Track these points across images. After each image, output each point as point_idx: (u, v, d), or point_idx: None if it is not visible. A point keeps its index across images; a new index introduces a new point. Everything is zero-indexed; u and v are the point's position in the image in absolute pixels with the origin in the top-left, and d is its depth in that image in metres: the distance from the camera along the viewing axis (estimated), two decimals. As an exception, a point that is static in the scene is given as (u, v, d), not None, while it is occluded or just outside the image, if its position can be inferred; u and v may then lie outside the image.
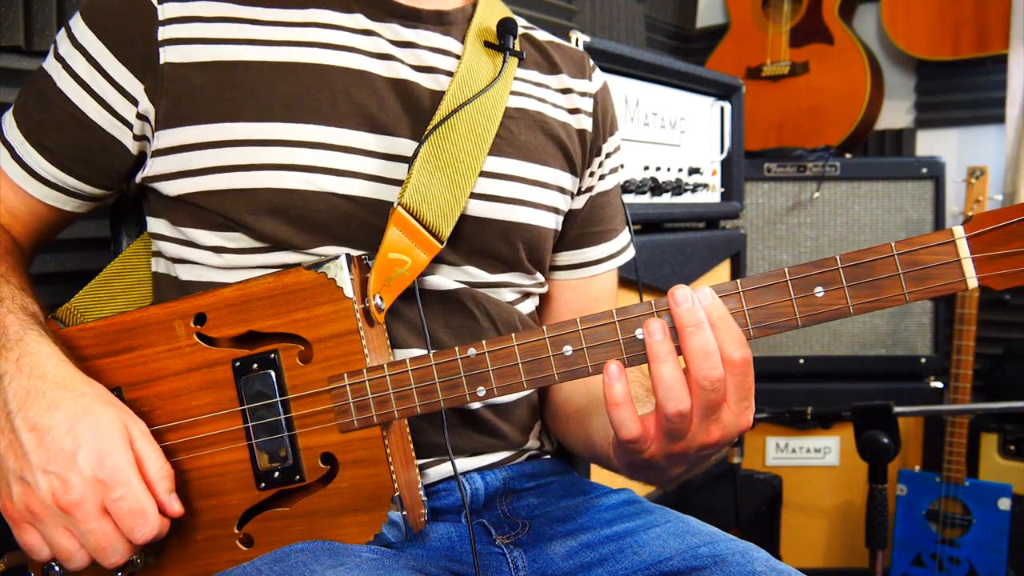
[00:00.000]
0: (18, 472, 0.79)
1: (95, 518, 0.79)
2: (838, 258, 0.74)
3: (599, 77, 1.19)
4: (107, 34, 0.93)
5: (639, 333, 0.77)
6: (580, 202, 1.15)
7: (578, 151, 1.12)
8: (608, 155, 1.18)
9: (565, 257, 1.17)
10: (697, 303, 0.74)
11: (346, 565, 0.77)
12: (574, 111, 1.13)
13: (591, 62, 1.19)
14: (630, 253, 1.25)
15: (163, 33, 0.91)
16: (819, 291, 0.75)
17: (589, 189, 1.16)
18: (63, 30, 0.96)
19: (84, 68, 0.94)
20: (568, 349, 0.79)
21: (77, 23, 0.95)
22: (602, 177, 1.17)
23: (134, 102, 0.93)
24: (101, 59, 0.93)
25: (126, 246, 1.14)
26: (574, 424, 1.07)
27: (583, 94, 1.14)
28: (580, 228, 1.16)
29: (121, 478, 0.79)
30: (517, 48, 1.07)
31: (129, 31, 0.92)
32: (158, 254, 1.04)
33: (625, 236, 1.24)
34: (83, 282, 1.10)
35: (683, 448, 0.78)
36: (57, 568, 0.90)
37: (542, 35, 1.18)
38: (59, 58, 0.96)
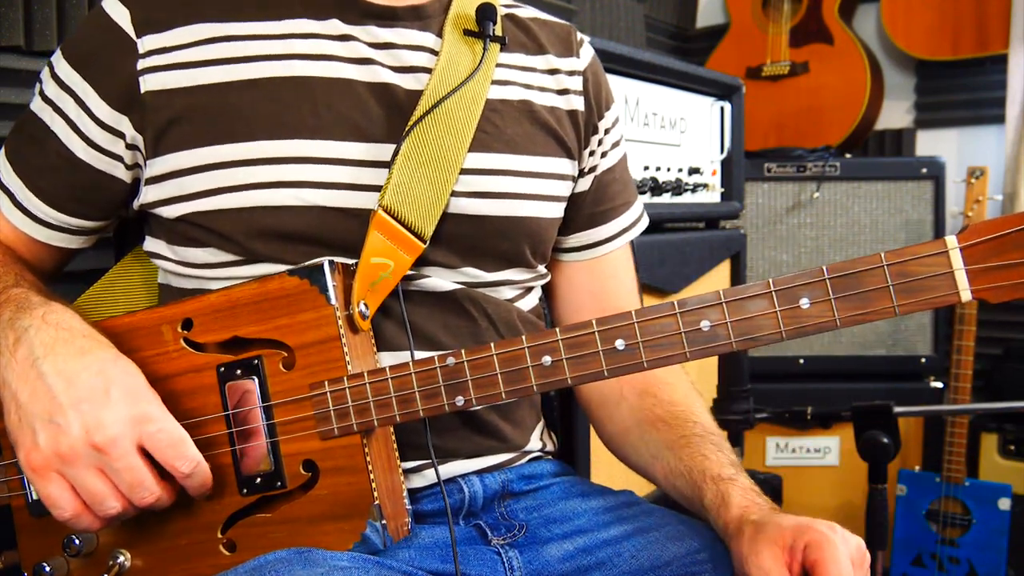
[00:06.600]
0: (46, 416, 0.77)
1: (131, 454, 0.78)
2: (825, 268, 0.72)
3: (587, 52, 1.14)
4: (88, 71, 0.94)
5: (619, 344, 0.76)
6: (585, 183, 1.11)
7: (571, 134, 1.08)
8: (607, 131, 1.13)
9: (576, 239, 1.14)
10: None
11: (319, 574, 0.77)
12: (563, 92, 1.09)
13: (578, 36, 1.14)
14: (644, 223, 1.21)
15: (142, 64, 0.92)
16: (804, 303, 0.72)
17: (593, 169, 1.12)
18: (46, 70, 0.97)
19: (72, 108, 0.95)
20: (547, 360, 0.79)
21: (59, 62, 0.96)
22: (604, 155, 1.13)
23: (121, 136, 0.94)
24: (87, 98, 0.94)
25: (129, 249, 1.14)
26: (630, 449, 1.10)
27: (571, 73, 1.10)
28: (590, 208, 1.13)
29: (156, 412, 0.80)
30: (499, 32, 1.04)
31: (109, 65, 0.93)
32: (160, 267, 1.04)
33: (637, 207, 1.20)
34: (86, 283, 1.10)
35: None
36: (47, 568, 0.90)
37: (526, 12, 1.13)
38: (47, 100, 0.97)
